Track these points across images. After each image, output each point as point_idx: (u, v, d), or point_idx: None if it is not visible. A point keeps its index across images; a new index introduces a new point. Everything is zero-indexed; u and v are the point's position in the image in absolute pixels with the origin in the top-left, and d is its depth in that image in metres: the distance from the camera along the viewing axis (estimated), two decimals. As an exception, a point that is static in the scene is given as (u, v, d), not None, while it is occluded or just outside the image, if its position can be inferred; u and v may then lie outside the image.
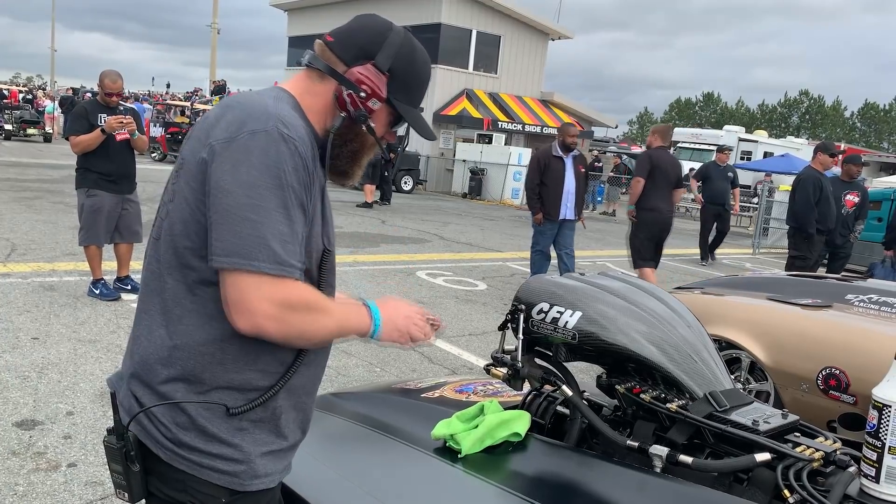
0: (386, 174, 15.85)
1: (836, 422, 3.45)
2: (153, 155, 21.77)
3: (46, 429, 3.50)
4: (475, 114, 22.31)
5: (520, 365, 1.91)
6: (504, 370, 1.94)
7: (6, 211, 9.65)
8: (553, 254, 7.59)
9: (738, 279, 5.46)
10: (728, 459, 1.61)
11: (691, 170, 18.88)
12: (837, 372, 3.45)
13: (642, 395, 1.79)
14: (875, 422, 1.50)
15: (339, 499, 1.71)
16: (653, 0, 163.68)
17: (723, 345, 3.97)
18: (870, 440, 1.51)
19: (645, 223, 7.21)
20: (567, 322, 1.86)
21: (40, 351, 4.55)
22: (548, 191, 7.26)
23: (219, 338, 1.33)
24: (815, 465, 1.57)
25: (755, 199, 19.81)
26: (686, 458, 1.60)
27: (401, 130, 9.97)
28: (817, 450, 1.61)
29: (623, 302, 1.89)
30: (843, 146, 22.94)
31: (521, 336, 1.92)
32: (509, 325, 1.98)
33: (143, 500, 1.41)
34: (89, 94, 28.73)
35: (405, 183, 19.78)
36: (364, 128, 1.43)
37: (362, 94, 1.40)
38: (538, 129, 23.47)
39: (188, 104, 27.04)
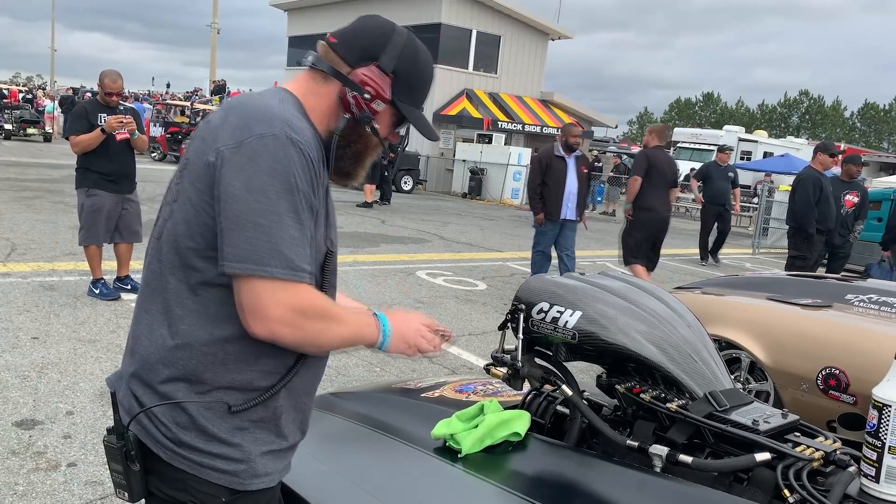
0: (386, 174, 15.85)
1: (836, 422, 3.45)
2: (153, 155, 21.77)
3: (46, 428, 3.50)
4: (475, 114, 22.32)
5: (520, 365, 1.91)
6: (504, 370, 1.94)
7: (6, 211, 9.65)
8: (554, 254, 7.59)
9: (737, 279, 5.46)
10: (728, 459, 1.61)
11: (692, 170, 18.90)
12: (837, 372, 3.45)
13: (642, 395, 1.79)
14: (875, 421, 1.50)
15: (339, 498, 1.71)
16: (653, 0, 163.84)
17: (723, 345, 3.97)
18: (870, 440, 1.51)
19: (642, 222, 7.21)
20: (567, 322, 1.86)
21: (40, 350, 4.55)
22: (549, 191, 7.24)
23: (221, 338, 1.33)
24: (815, 464, 1.57)
25: (755, 199, 19.81)
26: (686, 458, 1.60)
27: (401, 130, 9.97)
28: (817, 449, 1.61)
29: (623, 302, 1.89)
30: (842, 146, 22.94)
31: (521, 336, 1.92)
32: (509, 324, 1.98)
33: (143, 500, 1.41)
34: (89, 94, 28.72)
35: (405, 183, 19.78)
36: (368, 129, 1.43)
37: (366, 96, 1.40)
38: (538, 129, 23.47)
39: (188, 104, 27.06)
